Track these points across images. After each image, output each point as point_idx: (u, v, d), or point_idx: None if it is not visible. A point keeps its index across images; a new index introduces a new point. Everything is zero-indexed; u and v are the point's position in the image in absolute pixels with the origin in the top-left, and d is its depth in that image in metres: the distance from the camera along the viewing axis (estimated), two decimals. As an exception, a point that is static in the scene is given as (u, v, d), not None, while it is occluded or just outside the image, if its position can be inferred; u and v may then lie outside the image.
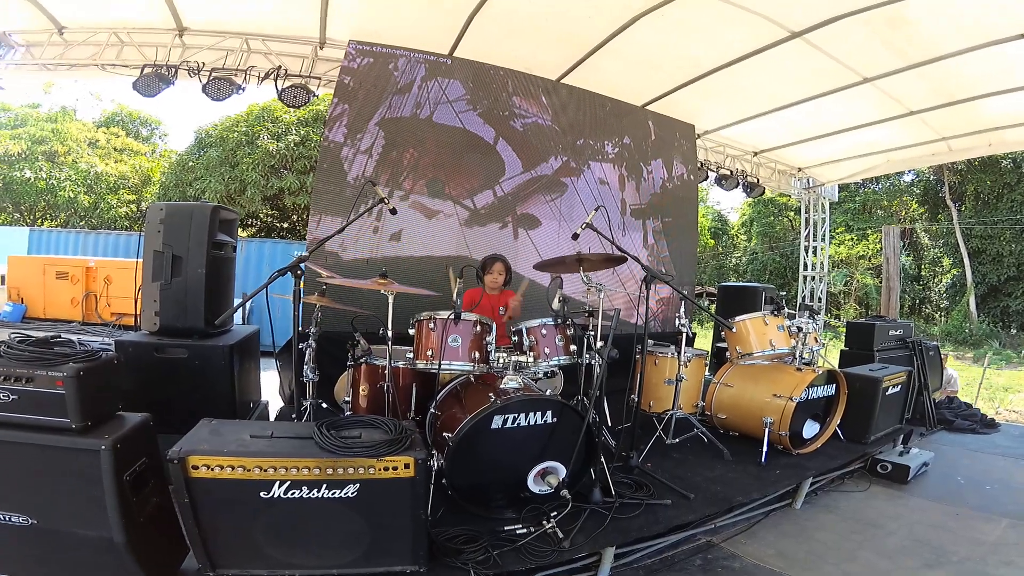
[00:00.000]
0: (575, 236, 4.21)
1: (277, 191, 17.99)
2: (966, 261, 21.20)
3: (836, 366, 6.03)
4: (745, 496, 4.10)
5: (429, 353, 3.83)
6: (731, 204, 45.14)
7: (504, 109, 7.21)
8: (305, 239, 7.20)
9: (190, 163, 19.25)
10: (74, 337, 2.97)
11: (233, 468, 2.54)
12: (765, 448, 4.70)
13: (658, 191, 8.45)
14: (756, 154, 10.16)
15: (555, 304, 4.05)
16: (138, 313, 4.48)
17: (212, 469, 2.52)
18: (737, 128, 8.96)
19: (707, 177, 9.81)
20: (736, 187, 9.96)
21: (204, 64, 6.50)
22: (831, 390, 5.20)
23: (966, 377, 11.53)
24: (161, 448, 2.76)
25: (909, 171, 22.51)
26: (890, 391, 5.51)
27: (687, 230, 8.97)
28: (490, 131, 7.12)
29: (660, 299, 8.30)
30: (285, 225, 20.38)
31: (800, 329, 5.18)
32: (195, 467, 2.51)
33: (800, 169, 10.87)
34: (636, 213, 8.24)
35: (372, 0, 5.90)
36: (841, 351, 7.45)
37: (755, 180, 10.22)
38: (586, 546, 3.26)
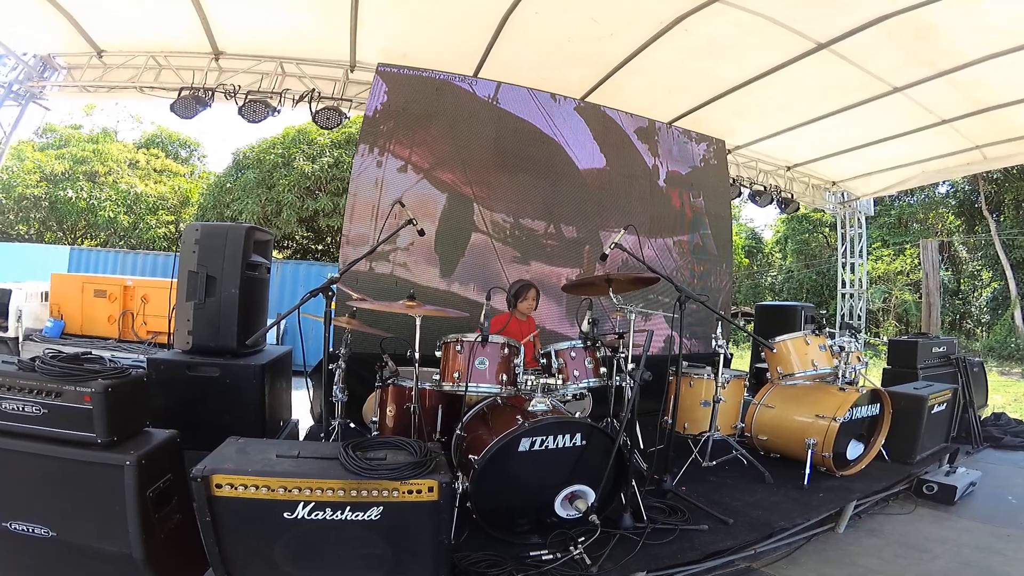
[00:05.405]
0: (603, 257, 4.16)
1: (312, 213, 18.10)
2: (1008, 273, 20.31)
3: (879, 385, 5.84)
4: (788, 520, 3.94)
5: (456, 375, 3.77)
6: (764, 221, 44.62)
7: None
8: (338, 262, 7.21)
9: (228, 184, 19.49)
10: (106, 354, 3.00)
11: (257, 488, 2.51)
12: (808, 470, 4.54)
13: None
14: (789, 168, 10.01)
15: (584, 326, 3.99)
16: (171, 332, 4.52)
17: (236, 488, 2.50)
18: (768, 143, 8.84)
19: (740, 194, 9.67)
20: (770, 203, 9.79)
21: (240, 87, 6.66)
22: (875, 409, 5.04)
23: (1014, 392, 11.25)
24: (189, 465, 2.74)
25: (944, 182, 21.83)
26: (936, 409, 5.34)
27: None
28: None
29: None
30: (320, 247, 20.48)
31: (843, 348, 5.05)
32: (219, 486, 2.49)
33: (834, 183, 10.71)
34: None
35: (399, 23, 5.97)
36: (884, 369, 7.27)
37: (789, 195, 10.06)
38: (614, 572, 3.15)
